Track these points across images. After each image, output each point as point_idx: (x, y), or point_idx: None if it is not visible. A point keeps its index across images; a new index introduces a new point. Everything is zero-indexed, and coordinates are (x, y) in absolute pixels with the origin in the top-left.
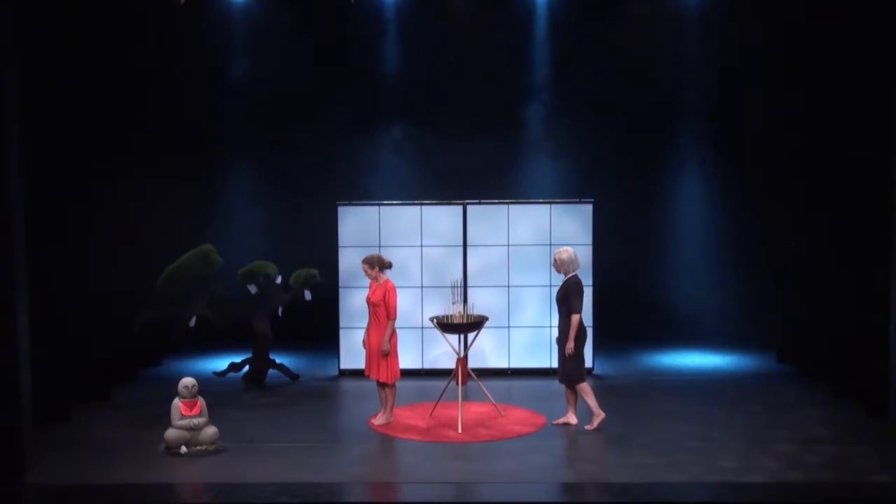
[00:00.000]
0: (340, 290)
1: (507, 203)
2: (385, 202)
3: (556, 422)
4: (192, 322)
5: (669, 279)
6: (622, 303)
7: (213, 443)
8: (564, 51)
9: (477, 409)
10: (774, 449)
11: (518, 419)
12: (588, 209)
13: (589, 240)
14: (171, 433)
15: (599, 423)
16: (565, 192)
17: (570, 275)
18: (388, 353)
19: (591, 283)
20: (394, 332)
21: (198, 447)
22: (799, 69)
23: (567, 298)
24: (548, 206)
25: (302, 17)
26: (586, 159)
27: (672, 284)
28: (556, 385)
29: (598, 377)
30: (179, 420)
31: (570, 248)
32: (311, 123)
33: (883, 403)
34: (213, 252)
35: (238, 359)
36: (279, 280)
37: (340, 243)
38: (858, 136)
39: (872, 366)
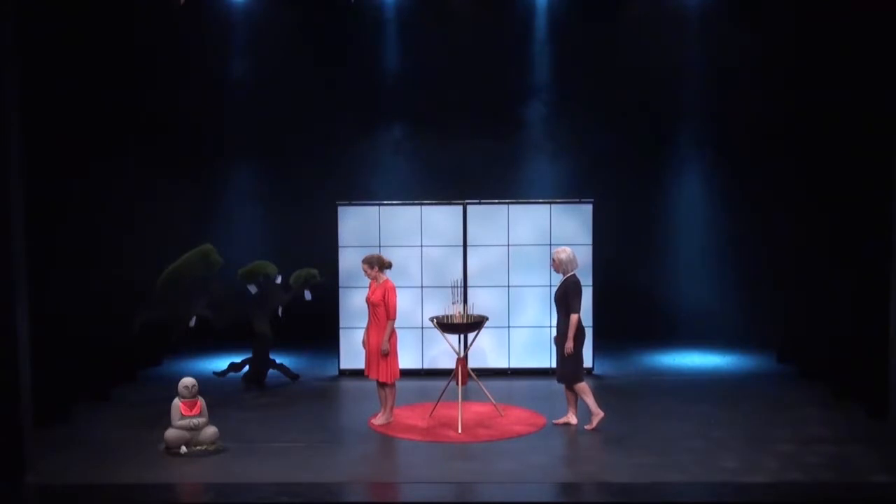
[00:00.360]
0: (340, 290)
1: (507, 203)
2: (385, 202)
3: (557, 422)
4: (192, 322)
5: (669, 279)
6: (622, 303)
7: (213, 443)
8: (564, 51)
9: (477, 409)
10: (774, 449)
11: (518, 419)
12: (588, 209)
13: (589, 240)
14: (171, 433)
15: (599, 423)
16: (565, 192)
17: (569, 274)
18: (388, 353)
19: (591, 283)
20: (393, 332)
21: (198, 447)
22: (799, 69)
23: (566, 298)
24: (548, 206)
25: (302, 17)
26: (586, 159)
27: (672, 284)
28: (556, 385)
29: (598, 377)
30: (179, 420)
31: (568, 248)
32: (311, 123)
33: (883, 403)
34: (213, 252)
35: (238, 359)
36: (279, 280)
37: (340, 243)
38: (858, 136)
39: (872, 366)
